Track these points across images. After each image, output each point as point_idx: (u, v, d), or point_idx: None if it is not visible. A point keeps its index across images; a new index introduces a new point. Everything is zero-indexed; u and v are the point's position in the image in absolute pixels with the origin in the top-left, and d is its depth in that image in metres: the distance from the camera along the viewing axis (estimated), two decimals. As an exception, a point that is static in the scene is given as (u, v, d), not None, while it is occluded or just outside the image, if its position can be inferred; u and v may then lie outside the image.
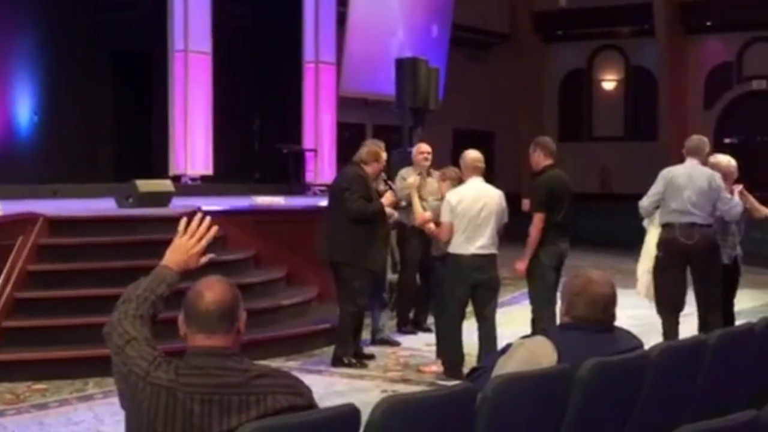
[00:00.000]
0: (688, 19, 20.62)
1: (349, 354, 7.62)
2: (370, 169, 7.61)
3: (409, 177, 8.38)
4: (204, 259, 2.99)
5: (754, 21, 19.55)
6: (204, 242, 2.96)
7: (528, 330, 6.67)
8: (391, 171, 9.13)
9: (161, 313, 2.87)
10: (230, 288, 2.71)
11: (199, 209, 9.32)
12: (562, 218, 7.30)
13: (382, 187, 7.83)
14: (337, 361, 7.61)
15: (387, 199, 7.60)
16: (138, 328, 2.75)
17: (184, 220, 2.98)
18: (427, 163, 8.64)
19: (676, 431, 2.51)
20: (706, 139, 7.51)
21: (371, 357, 7.86)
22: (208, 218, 2.99)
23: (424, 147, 8.84)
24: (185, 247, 2.95)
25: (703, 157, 7.33)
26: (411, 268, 8.75)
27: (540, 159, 7.39)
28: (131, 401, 2.63)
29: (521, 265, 7.32)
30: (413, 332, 8.94)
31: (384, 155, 7.77)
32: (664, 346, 3.68)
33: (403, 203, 8.30)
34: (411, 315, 9.10)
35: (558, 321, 3.75)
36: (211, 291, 2.66)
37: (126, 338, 2.72)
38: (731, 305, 7.77)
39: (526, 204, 7.40)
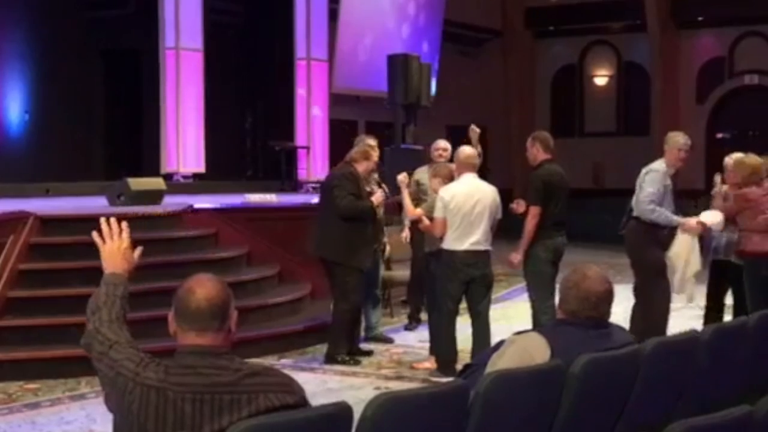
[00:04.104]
0: (680, 14, 20.63)
1: (342, 352, 7.62)
2: (361, 168, 7.62)
3: (423, 175, 8.37)
4: (137, 252, 3.04)
5: (746, 16, 19.56)
6: (125, 236, 3.02)
7: (523, 325, 6.66)
8: (383, 168, 9.11)
9: (128, 312, 2.89)
10: (222, 286, 2.70)
11: (190, 207, 9.36)
12: (558, 212, 7.31)
13: (374, 186, 7.80)
14: (329, 359, 7.61)
15: (376, 198, 7.60)
16: (117, 332, 2.76)
17: (95, 234, 3.02)
18: (444, 160, 8.51)
19: (669, 427, 2.50)
20: (672, 134, 7.54)
21: (369, 354, 7.85)
22: (112, 219, 3.05)
23: (441, 143, 8.72)
24: (113, 249, 3.00)
25: (669, 152, 7.32)
26: (419, 263, 8.70)
27: (538, 153, 7.38)
28: (120, 404, 2.61)
29: (515, 258, 7.31)
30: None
31: (375, 153, 7.75)
32: (657, 342, 3.68)
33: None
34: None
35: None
36: (203, 288, 2.66)
37: (108, 344, 2.72)
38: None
39: (519, 206, 7.34)
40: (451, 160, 8.52)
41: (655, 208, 7.13)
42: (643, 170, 7.35)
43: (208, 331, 2.64)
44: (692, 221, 7.23)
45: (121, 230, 3.01)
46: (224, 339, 2.66)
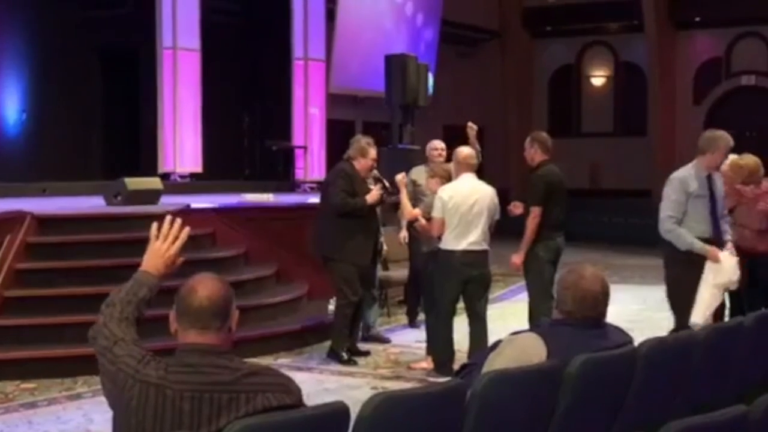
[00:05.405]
0: (677, 15, 20.67)
1: (343, 348, 7.66)
2: (358, 165, 7.67)
3: (419, 175, 8.40)
4: (179, 261, 2.99)
5: (743, 16, 19.61)
6: (178, 243, 2.97)
7: (520, 325, 6.67)
8: (380, 168, 9.10)
9: (144, 316, 2.88)
10: (223, 285, 2.71)
11: (187, 207, 9.35)
12: (559, 213, 7.33)
13: (372, 184, 7.81)
14: (331, 353, 7.69)
15: (371, 196, 7.62)
16: (124, 330, 2.76)
17: (155, 225, 2.99)
18: (441, 160, 8.54)
19: (666, 427, 2.50)
20: (720, 134, 6.51)
21: (366, 354, 7.88)
22: (178, 220, 3.00)
23: (439, 143, 8.73)
24: (161, 251, 2.96)
25: (712, 155, 6.45)
26: (416, 263, 8.71)
27: (536, 154, 7.40)
28: (119, 400, 2.62)
29: (517, 259, 7.32)
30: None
31: (372, 151, 7.77)
32: (654, 342, 3.68)
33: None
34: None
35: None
36: (204, 287, 2.67)
37: (113, 339, 2.72)
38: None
39: (517, 208, 7.35)
40: (448, 160, 8.55)
41: (673, 229, 6.29)
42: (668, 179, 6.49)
43: (209, 329, 2.65)
44: (715, 252, 6.24)
45: (177, 236, 2.97)
46: (225, 338, 2.68)
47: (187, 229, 2.99)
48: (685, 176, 6.41)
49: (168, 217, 2.99)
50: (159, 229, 2.97)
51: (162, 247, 2.95)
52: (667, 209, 6.34)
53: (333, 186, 7.61)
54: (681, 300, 6.39)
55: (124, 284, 2.91)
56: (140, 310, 2.86)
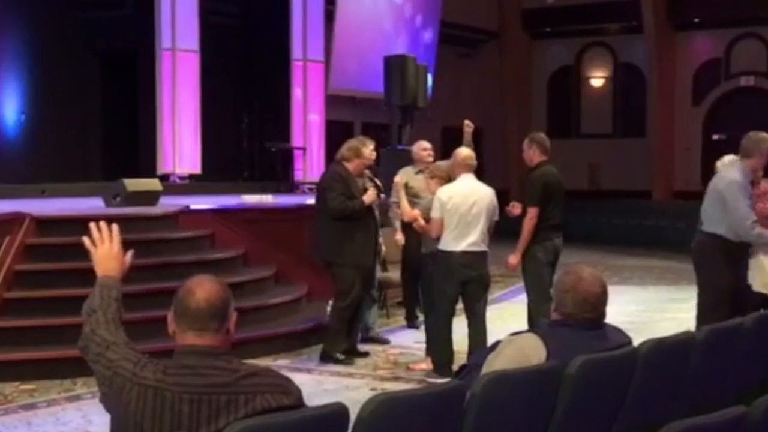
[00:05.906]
0: (676, 16, 20.68)
1: (338, 350, 7.64)
2: (351, 166, 7.64)
3: (409, 177, 8.40)
4: (129, 254, 3.01)
5: (742, 17, 19.63)
6: (117, 240, 2.99)
7: (519, 326, 6.66)
8: (380, 169, 9.10)
9: (123, 316, 2.88)
10: (221, 287, 2.71)
11: (186, 208, 9.36)
12: (557, 214, 7.33)
13: (368, 184, 7.79)
14: (325, 356, 7.64)
15: (368, 196, 7.60)
16: (113, 333, 2.76)
17: (86, 239, 3.00)
18: (431, 159, 8.54)
19: (665, 428, 2.50)
20: (756, 137, 6.66)
21: (365, 355, 7.87)
22: (102, 222, 3.01)
23: (427, 144, 8.78)
24: (106, 253, 2.97)
25: (760, 158, 6.51)
26: (413, 264, 8.71)
27: (535, 155, 7.40)
28: (117, 404, 2.61)
29: (513, 260, 7.33)
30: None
31: (366, 151, 7.74)
32: (653, 343, 3.68)
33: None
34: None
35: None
36: (202, 289, 2.67)
37: (105, 344, 2.72)
38: None
39: (515, 208, 7.37)
40: (435, 160, 8.56)
41: (760, 231, 6.22)
42: (721, 183, 6.43)
43: (207, 331, 2.64)
44: None
45: (111, 234, 2.99)
46: (223, 340, 2.67)
47: (115, 227, 3.01)
48: (742, 180, 6.37)
49: (92, 224, 3.00)
50: (91, 240, 2.98)
51: (105, 249, 2.97)
52: (748, 216, 6.24)
53: (330, 190, 7.56)
54: (707, 302, 6.38)
55: (92, 293, 2.91)
56: (120, 310, 2.87)
